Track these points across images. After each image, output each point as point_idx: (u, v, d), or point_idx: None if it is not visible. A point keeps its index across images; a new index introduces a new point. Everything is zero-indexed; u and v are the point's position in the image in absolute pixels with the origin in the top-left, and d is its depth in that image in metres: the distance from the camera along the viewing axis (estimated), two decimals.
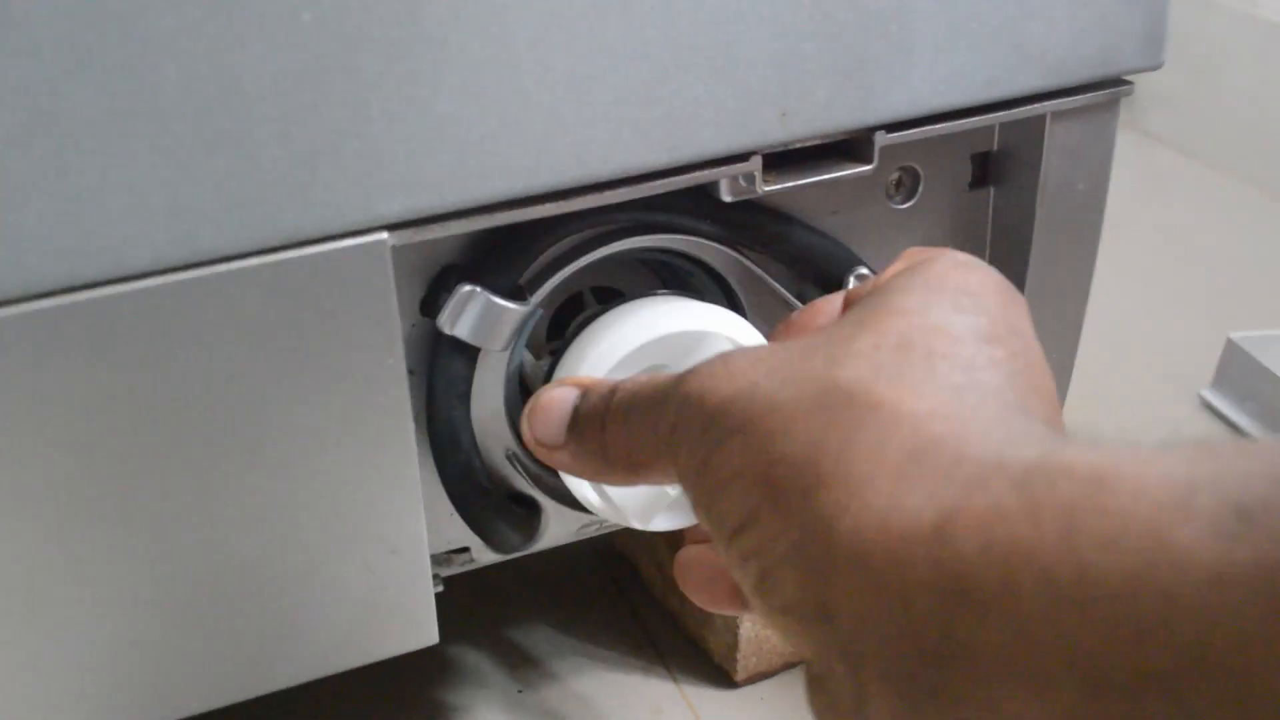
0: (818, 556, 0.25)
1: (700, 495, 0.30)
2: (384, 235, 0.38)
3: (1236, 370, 0.83)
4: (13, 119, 0.33)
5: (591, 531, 0.51)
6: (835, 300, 0.36)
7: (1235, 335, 0.83)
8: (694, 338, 0.42)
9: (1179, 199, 1.14)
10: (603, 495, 0.42)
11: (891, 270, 0.32)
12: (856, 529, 0.25)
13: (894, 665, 0.24)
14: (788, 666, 0.60)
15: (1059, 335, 0.53)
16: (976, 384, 0.27)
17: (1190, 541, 0.20)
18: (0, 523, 0.37)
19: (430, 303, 0.43)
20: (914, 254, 0.33)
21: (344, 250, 0.38)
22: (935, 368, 0.27)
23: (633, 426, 0.33)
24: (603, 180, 0.40)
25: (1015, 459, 0.24)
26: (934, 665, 0.23)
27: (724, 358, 0.31)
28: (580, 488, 0.43)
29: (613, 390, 0.34)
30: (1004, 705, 0.22)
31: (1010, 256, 0.51)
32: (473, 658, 0.61)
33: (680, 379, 0.31)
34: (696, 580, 0.37)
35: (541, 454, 0.36)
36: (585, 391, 0.36)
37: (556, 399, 0.36)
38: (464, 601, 0.56)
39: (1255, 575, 0.19)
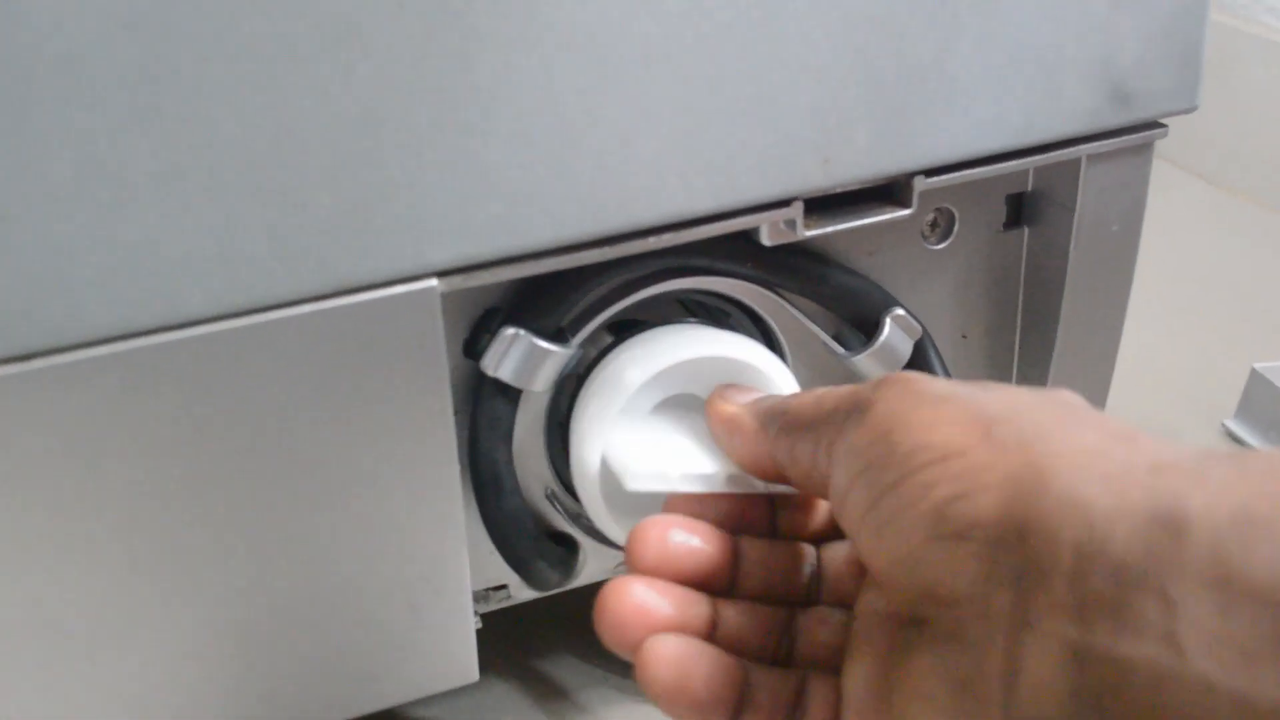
0: (1030, 482, 0.26)
1: (897, 429, 0.30)
2: (434, 282, 0.38)
3: (1260, 400, 0.83)
4: (73, 169, 0.33)
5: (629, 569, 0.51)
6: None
7: (1259, 365, 0.84)
8: (726, 364, 0.42)
9: (1203, 226, 1.14)
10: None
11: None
12: (1073, 467, 0.26)
13: (1081, 582, 0.24)
14: None
15: (1092, 374, 0.53)
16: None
17: None
18: (59, 563, 0.38)
19: (473, 344, 0.44)
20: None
21: (395, 297, 0.38)
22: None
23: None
24: (647, 226, 0.41)
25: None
26: (1125, 581, 0.23)
27: (906, 381, 0.32)
28: (609, 526, 0.43)
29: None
30: (1191, 623, 0.22)
31: (1044, 296, 0.52)
32: (502, 688, 0.62)
33: (870, 394, 0.32)
34: None
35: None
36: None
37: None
38: (496, 632, 0.56)
39: None
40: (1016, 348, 0.54)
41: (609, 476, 0.42)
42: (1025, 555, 0.26)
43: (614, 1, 0.37)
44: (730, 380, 0.42)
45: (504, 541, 0.46)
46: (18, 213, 0.33)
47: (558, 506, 0.48)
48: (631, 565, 0.35)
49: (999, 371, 0.54)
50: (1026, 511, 0.26)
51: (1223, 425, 0.85)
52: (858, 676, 0.32)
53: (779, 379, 0.43)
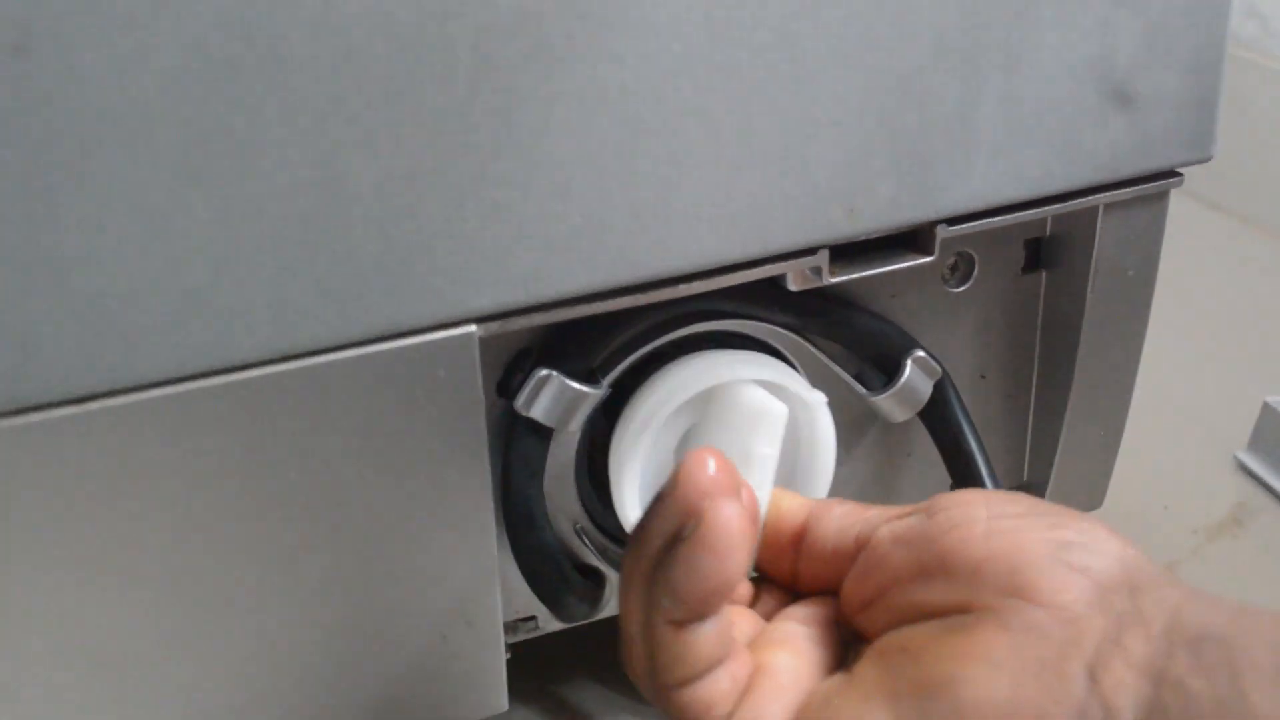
0: (1139, 564, 0.33)
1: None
2: (473, 328, 0.40)
3: (1272, 434, 0.84)
4: (134, 221, 0.35)
5: None
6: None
7: (1271, 399, 0.85)
8: (746, 388, 0.44)
9: (1216, 256, 1.15)
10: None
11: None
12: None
13: (1172, 631, 0.30)
14: None
15: (1105, 416, 0.55)
16: None
17: None
18: (110, 593, 0.39)
19: (507, 384, 0.45)
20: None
21: (435, 342, 0.39)
22: None
23: None
24: (679, 274, 0.42)
25: None
26: (1207, 635, 0.29)
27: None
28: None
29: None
30: (1255, 673, 0.28)
31: (1061, 338, 0.53)
32: (523, 714, 0.63)
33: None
34: None
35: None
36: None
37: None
38: (522, 659, 0.57)
39: None
40: (1034, 388, 0.55)
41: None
42: (1132, 605, 0.31)
43: (650, 62, 0.39)
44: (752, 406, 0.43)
45: (534, 575, 0.48)
46: (81, 261, 0.35)
47: (586, 541, 0.49)
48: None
49: (1016, 411, 0.56)
50: (1137, 578, 0.31)
51: (1235, 457, 0.87)
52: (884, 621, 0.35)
53: (796, 388, 0.45)
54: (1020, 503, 0.35)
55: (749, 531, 0.33)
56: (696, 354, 0.46)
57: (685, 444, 0.45)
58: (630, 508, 0.45)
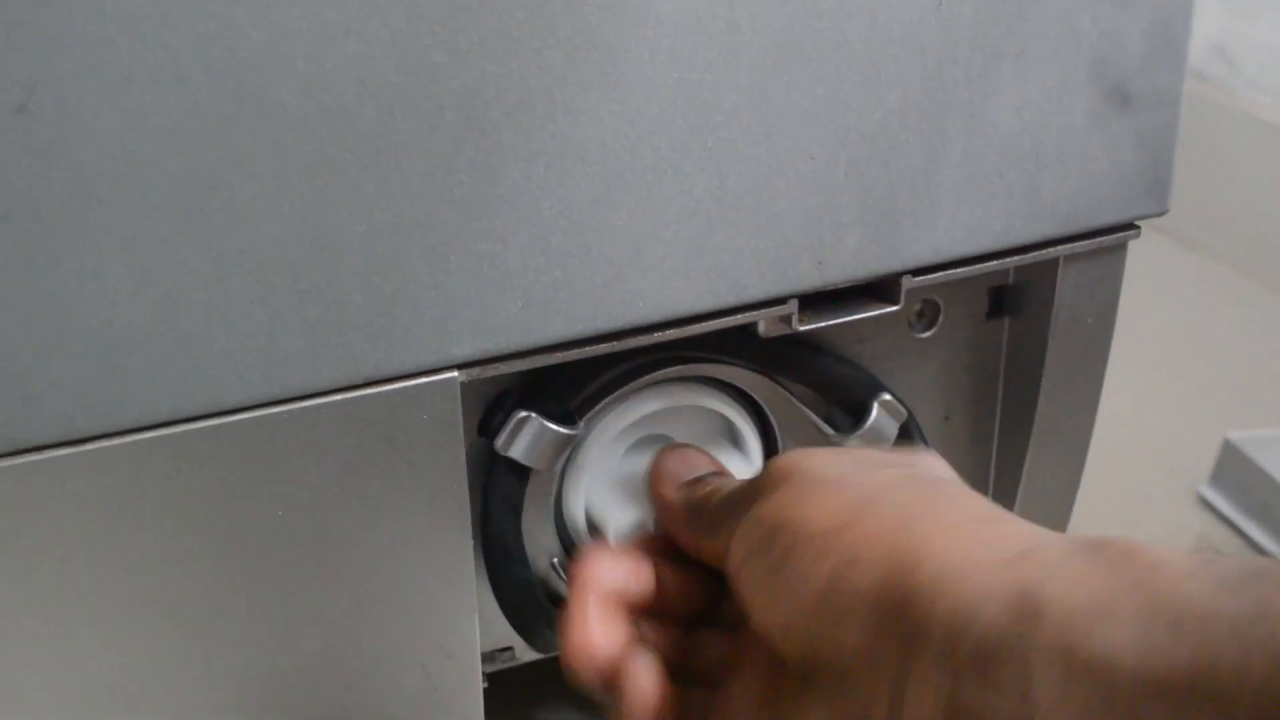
0: (906, 562, 0.32)
1: (786, 516, 0.36)
2: (455, 374, 0.41)
3: (1234, 469, 0.86)
4: (130, 269, 0.36)
5: None
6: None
7: (1233, 435, 0.87)
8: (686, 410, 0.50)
9: (1180, 291, 1.17)
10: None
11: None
12: (942, 551, 0.31)
13: (953, 647, 0.29)
14: None
15: (1065, 457, 0.57)
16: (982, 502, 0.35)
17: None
18: (100, 628, 0.40)
19: (487, 424, 0.47)
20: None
21: (418, 388, 0.41)
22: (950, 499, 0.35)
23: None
24: (654, 323, 0.44)
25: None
26: (988, 652, 0.28)
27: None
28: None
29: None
30: (1041, 688, 0.27)
31: (1023, 381, 0.55)
32: None
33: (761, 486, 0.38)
34: None
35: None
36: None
37: (691, 460, 0.45)
38: (501, 691, 0.59)
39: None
40: (997, 429, 0.57)
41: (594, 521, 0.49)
42: (907, 624, 0.30)
43: (627, 120, 0.41)
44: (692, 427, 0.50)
45: (512, 609, 0.49)
46: (81, 308, 0.36)
47: (562, 575, 0.51)
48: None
49: (980, 451, 0.57)
50: (904, 588, 0.31)
51: (1196, 492, 0.89)
52: (746, 704, 0.37)
53: (736, 420, 0.50)
54: (785, 528, 0.35)
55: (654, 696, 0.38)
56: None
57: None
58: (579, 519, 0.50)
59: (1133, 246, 0.53)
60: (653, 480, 0.45)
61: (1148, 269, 1.21)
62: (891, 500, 0.34)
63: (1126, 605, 0.27)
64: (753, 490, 0.38)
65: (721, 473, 0.44)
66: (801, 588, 0.33)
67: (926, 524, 0.32)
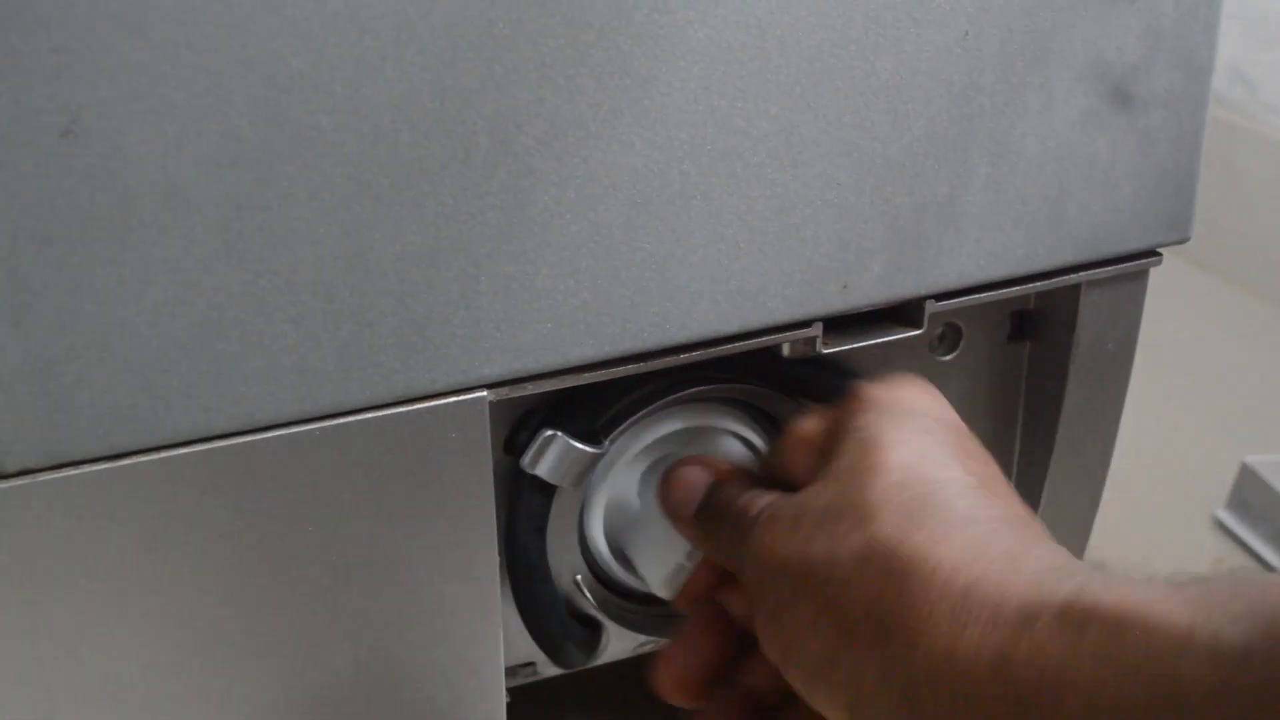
0: (901, 684, 0.32)
1: (777, 636, 0.37)
2: (484, 393, 0.42)
3: (1250, 493, 0.87)
4: (167, 290, 0.37)
5: (648, 648, 0.55)
6: (816, 426, 0.42)
7: (1250, 459, 0.87)
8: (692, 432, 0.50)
9: (1199, 315, 1.17)
10: (644, 559, 0.49)
11: (867, 402, 0.40)
12: (928, 662, 0.31)
13: None
14: None
15: (1085, 480, 0.57)
16: (985, 528, 0.34)
17: (1192, 670, 0.27)
18: (129, 641, 0.41)
19: (513, 443, 0.47)
20: (883, 390, 0.41)
21: (448, 406, 0.42)
22: (948, 519, 0.34)
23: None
24: (680, 344, 0.44)
25: (1049, 601, 0.30)
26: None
27: (773, 519, 0.38)
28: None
29: (732, 500, 0.42)
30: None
31: (1043, 405, 0.55)
32: None
33: (752, 526, 0.39)
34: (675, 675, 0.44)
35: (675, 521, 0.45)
36: (717, 482, 0.44)
37: (689, 479, 0.44)
38: (523, 706, 0.59)
39: (1244, 693, 0.26)
40: (1016, 453, 0.57)
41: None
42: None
43: (657, 146, 0.41)
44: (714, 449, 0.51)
45: (535, 625, 0.50)
46: (120, 326, 0.37)
47: (585, 593, 0.51)
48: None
49: None
50: (909, 712, 0.32)
51: (1213, 516, 0.89)
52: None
53: (757, 442, 0.51)
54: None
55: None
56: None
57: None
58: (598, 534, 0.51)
59: (1151, 269, 0.53)
60: (663, 501, 0.46)
61: (1166, 292, 1.22)
62: (855, 596, 0.34)
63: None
64: (743, 525, 0.40)
65: (725, 478, 0.44)
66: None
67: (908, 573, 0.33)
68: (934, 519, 0.34)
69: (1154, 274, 0.54)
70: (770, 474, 0.42)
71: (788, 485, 0.40)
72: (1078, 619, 0.29)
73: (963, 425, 0.39)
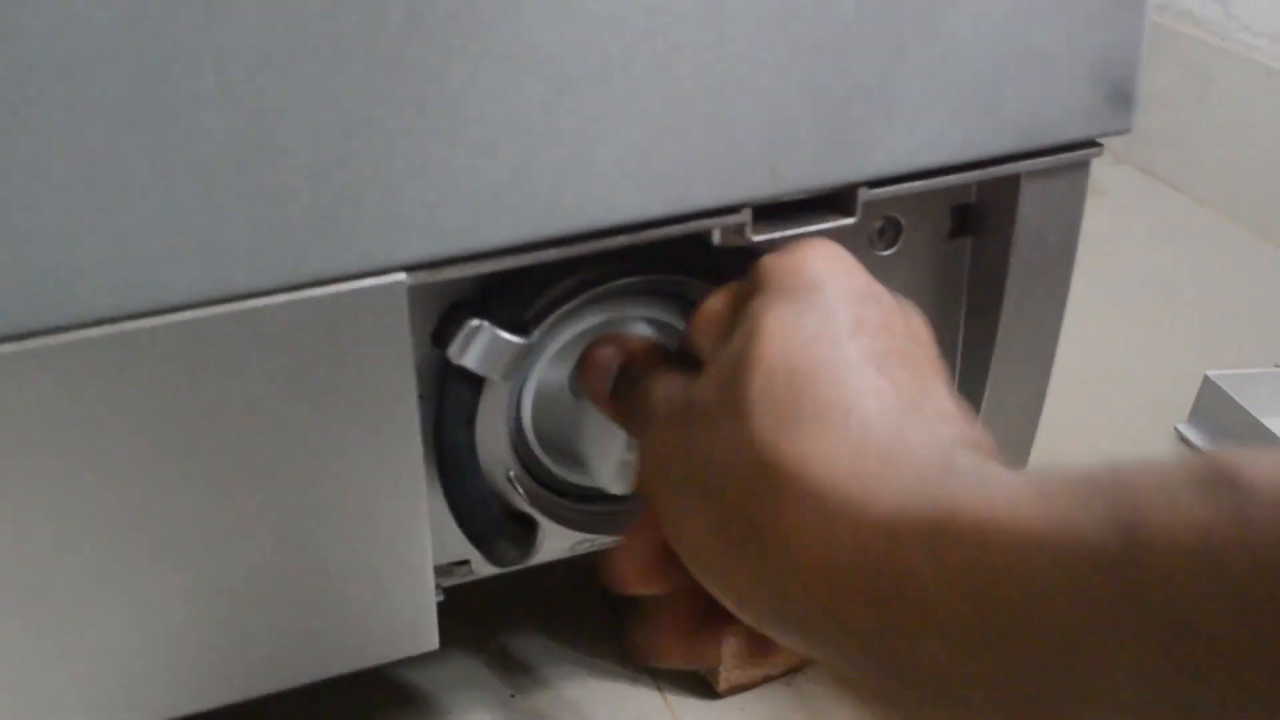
0: (775, 586, 0.32)
1: (671, 528, 0.37)
2: (402, 276, 0.41)
3: (1212, 407, 0.86)
4: (71, 164, 0.36)
5: (585, 548, 0.54)
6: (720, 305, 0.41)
7: (1212, 373, 0.87)
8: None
9: (1170, 235, 1.17)
10: (589, 454, 0.49)
11: (763, 277, 0.38)
12: (798, 568, 0.31)
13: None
14: (767, 680, 0.63)
15: (1029, 377, 0.56)
16: (864, 416, 0.32)
17: (1049, 577, 0.27)
18: (46, 533, 0.40)
19: (441, 334, 0.46)
20: (779, 262, 0.38)
21: (365, 289, 0.41)
22: (824, 413, 0.33)
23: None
24: (604, 228, 0.44)
25: (914, 521, 0.30)
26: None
27: (666, 414, 0.38)
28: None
29: (635, 383, 0.41)
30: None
31: (985, 302, 0.55)
32: (469, 662, 0.65)
33: (649, 417, 0.38)
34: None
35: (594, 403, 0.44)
36: (626, 362, 0.43)
37: (603, 360, 0.43)
38: (462, 609, 0.59)
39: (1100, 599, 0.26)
40: (959, 349, 0.57)
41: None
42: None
43: (576, 22, 0.40)
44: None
45: (466, 520, 0.49)
46: (21, 204, 0.36)
47: (518, 489, 0.51)
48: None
49: None
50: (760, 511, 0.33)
51: (1175, 429, 0.89)
52: None
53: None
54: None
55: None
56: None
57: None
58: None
59: (1122, 188, 0.52)
60: (581, 383, 0.45)
61: (1137, 211, 1.21)
62: (728, 497, 0.34)
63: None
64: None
65: (635, 358, 0.43)
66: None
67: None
68: (808, 415, 0.32)
69: (1125, 193, 0.53)
70: (682, 351, 0.42)
71: (698, 364, 0.39)
72: (942, 541, 0.29)
73: (868, 289, 0.37)
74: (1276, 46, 1.18)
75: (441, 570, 0.52)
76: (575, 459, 0.51)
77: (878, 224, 0.53)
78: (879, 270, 0.52)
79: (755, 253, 0.48)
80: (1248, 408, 0.83)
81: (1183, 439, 0.88)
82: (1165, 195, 1.22)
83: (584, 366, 0.44)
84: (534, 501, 0.51)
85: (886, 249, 0.53)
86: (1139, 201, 1.18)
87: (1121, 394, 0.92)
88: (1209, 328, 1.01)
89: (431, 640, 0.49)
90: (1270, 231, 1.15)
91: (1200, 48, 1.22)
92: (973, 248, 0.55)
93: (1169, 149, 1.22)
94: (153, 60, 0.36)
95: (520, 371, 0.48)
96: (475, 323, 0.45)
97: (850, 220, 0.48)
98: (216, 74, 0.37)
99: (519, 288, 0.46)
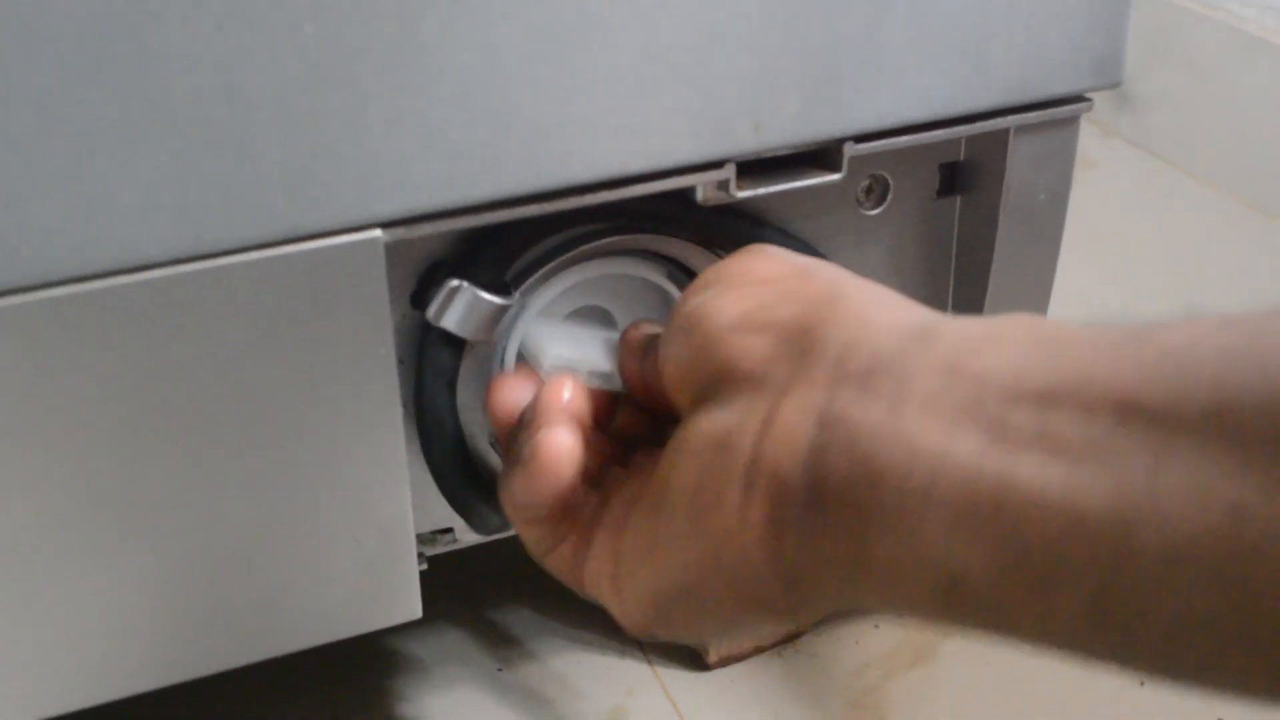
0: (827, 301, 0.32)
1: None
2: (378, 233, 0.40)
3: None
4: (36, 120, 0.35)
5: None
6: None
7: None
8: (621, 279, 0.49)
9: (1158, 206, 1.16)
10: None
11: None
12: (865, 296, 0.32)
13: (841, 365, 0.30)
14: (758, 651, 0.62)
15: None
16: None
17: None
18: (15, 501, 0.40)
19: (420, 296, 0.46)
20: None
21: (340, 246, 0.40)
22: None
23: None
24: (584, 184, 0.43)
25: (798, 487, 0.29)
26: (874, 367, 0.29)
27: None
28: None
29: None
30: (914, 395, 0.28)
31: (974, 262, 0.54)
32: (456, 635, 0.64)
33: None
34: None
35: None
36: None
37: (634, 337, 0.41)
38: (449, 582, 0.58)
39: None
40: (949, 309, 0.56)
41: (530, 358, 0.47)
42: (805, 343, 0.31)
43: None
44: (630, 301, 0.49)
45: (447, 485, 0.48)
46: None
47: (500, 453, 0.50)
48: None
49: None
50: (816, 317, 0.31)
51: None
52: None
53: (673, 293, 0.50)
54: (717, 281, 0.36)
55: (574, 456, 0.37)
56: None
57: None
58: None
59: (1110, 159, 0.52)
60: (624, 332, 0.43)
61: (1125, 181, 1.20)
62: (826, 271, 0.35)
63: (1017, 338, 0.27)
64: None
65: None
66: (717, 318, 0.33)
67: (854, 285, 0.33)
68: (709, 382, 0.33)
69: (1114, 163, 0.52)
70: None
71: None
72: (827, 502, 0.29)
73: (798, 268, 0.35)
74: (1265, 17, 1.17)
75: (424, 539, 0.51)
76: None
77: (864, 182, 0.52)
78: (868, 229, 0.52)
79: (738, 211, 0.48)
80: None
81: None
82: (1155, 167, 1.21)
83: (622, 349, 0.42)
84: None
85: (874, 208, 0.52)
86: (1127, 173, 1.17)
87: None
88: (1198, 298, 1.00)
89: (414, 609, 0.48)
90: (1261, 202, 1.15)
91: (1188, 18, 1.21)
92: (961, 207, 0.54)
93: (1159, 122, 1.21)
94: (118, 10, 0.35)
95: (501, 333, 0.47)
96: (455, 283, 0.44)
97: (836, 176, 0.47)
98: (181, 24, 0.36)
99: (499, 247, 0.45)
